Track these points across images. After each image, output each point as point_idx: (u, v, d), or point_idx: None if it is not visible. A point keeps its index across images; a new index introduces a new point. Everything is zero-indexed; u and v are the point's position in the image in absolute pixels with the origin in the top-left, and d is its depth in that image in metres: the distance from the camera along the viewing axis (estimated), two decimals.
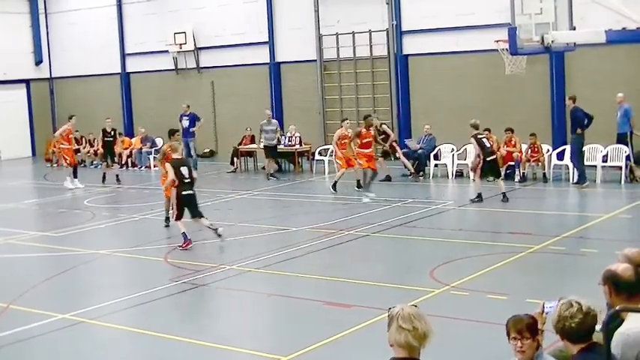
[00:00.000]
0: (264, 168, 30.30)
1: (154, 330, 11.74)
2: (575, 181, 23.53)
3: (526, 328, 5.74)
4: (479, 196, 21.44)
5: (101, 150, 30.49)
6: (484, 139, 21.76)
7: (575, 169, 23.57)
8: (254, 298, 13.94)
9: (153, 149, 33.25)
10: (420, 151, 26.65)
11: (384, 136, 26.48)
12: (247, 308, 13.39)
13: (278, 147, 29.08)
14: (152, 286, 14.05)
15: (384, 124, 27.67)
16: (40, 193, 27.50)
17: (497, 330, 5.90)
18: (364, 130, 23.16)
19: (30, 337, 11.65)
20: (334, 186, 23.72)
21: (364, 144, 22.99)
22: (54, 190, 27.81)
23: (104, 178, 28.60)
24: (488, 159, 21.50)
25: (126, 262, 16.91)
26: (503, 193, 21.39)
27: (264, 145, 28.82)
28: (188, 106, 30.80)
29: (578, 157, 23.40)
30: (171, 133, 20.08)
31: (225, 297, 13.93)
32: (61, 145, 28.56)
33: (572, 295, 5.64)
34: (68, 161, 28.21)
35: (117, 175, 28.99)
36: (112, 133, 30.05)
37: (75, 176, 27.89)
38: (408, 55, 30.68)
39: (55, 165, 36.04)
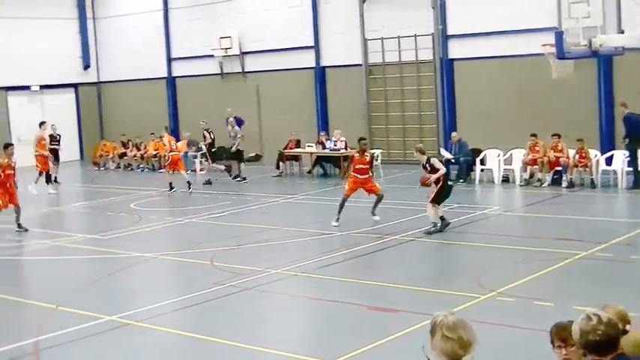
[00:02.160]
0: (309, 172, 30.41)
1: (199, 332, 11.81)
2: (630, 185, 23.26)
3: (570, 336, 5.67)
4: (435, 225, 18.49)
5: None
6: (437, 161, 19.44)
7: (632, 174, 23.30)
8: (298, 301, 13.97)
9: (198, 153, 33.42)
10: (461, 158, 26.44)
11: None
12: (291, 312, 13.42)
13: (323, 151, 29.34)
14: (197, 289, 14.13)
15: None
16: (88, 196, 27.79)
17: (543, 337, 5.85)
18: (357, 154, 20.36)
19: (77, 339, 11.77)
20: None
21: (357, 170, 20.07)
22: (101, 193, 28.08)
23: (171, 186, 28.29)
24: (447, 181, 19.22)
25: (172, 265, 17.03)
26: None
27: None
28: (232, 110, 30.96)
29: (634, 161, 23.13)
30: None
31: (269, 300, 13.96)
32: (35, 153, 29.04)
33: (613, 303, 5.57)
34: (40, 167, 28.81)
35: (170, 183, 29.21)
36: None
37: (47, 182, 28.85)
38: (454, 59, 30.54)
39: (103, 168, 36.45)
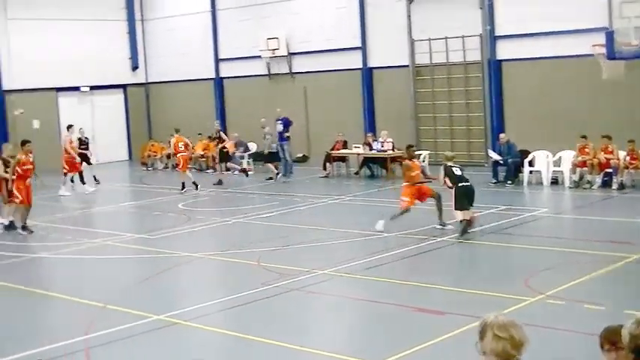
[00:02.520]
0: (356, 173, 30.40)
1: (245, 332, 11.84)
2: None
3: (620, 340, 5.59)
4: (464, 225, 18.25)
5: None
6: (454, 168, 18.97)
7: None
8: (344, 302, 13.95)
9: (246, 153, 33.56)
10: (510, 160, 26.22)
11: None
12: (337, 313, 13.41)
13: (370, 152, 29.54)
14: (244, 289, 14.17)
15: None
16: (137, 196, 28.02)
17: (593, 340, 5.77)
18: (409, 162, 19.68)
19: (125, 337, 11.86)
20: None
21: (412, 177, 19.42)
22: (150, 192, 28.30)
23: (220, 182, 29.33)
24: (460, 184, 18.63)
25: (219, 265, 17.10)
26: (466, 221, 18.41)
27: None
28: (281, 111, 31.11)
29: None
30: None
31: (315, 301, 13.96)
32: (64, 155, 29.29)
33: None
34: (67, 170, 29.07)
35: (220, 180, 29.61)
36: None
37: (82, 182, 29.21)
38: (502, 60, 30.33)
39: (151, 168, 36.72)
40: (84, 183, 29.41)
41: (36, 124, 35.91)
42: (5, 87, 36.82)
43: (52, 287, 15.48)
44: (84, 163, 30.13)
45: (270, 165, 30.46)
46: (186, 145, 29.17)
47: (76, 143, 30.01)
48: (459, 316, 11.77)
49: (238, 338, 11.75)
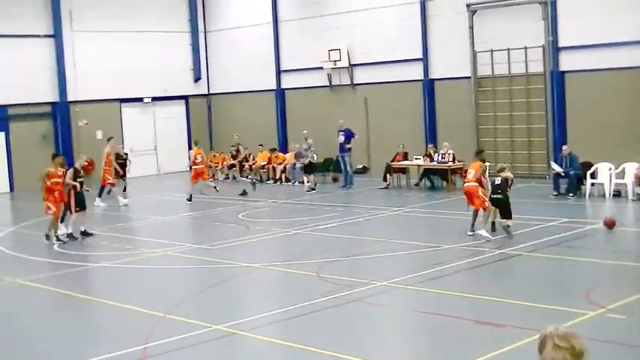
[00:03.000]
0: (417, 184, 30.31)
1: (303, 343, 11.86)
2: None
3: None
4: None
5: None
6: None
7: None
8: (404, 314, 13.92)
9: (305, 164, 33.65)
10: (571, 172, 25.90)
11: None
12: (397, 325, 13.38)
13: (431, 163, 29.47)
14: (303, 300, 14.20)
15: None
16: (197, 207, 28.24)
17: None
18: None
19: (184, 347, 11.96)
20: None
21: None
22: (210, 203, 28.50)
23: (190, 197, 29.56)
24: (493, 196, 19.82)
25: (278, 276, 17.15)
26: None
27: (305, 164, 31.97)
28: (343, 122, 31.27)
29: None
30: None
31: (374, 313, 13.94)
32: (104, 167, 29.52)
33: None
34: (105, 182, 29.34)
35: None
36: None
37: (99, 195, 29.20)
38: (565, 71, 30.02)
39: (212, 179, 36.91)
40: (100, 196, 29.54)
41: (99, 134, 36.42)
42: (70, 98, 37.42)
43: (112, 296, 15.66)
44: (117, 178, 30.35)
45: (309, 176, 31.26)
46: (202, 158, 30.11)
47: (113, 157, 30.21)
48: (518, 329, 11.67)
49: (296, 349, 11.77)
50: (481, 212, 19.68)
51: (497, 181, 19.81)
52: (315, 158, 31.73)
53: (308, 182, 31.11)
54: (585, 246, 18.49)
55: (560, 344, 4.83)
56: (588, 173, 25.81)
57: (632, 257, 17.05)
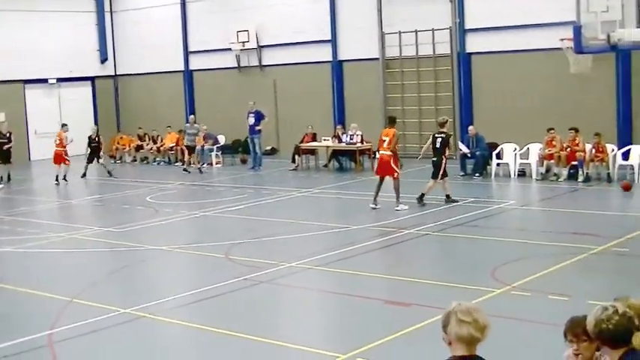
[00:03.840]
0: (325, 166, 30.42)
1: (213, 326, 11.81)
2: None
3: (583, 332, 5.65)
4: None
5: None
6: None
7: None
8: (314, 295, 13.97)
9: (215, 146, 33.50)
10: (478, 153, 26.35)
11: None
12: (307, 306, 13.42)
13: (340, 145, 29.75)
14: (213, 283, 14.13)
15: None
16: (104, 189, 27.86)
17: (559, 331, 5.83)
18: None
19: (92, 331, 11.79)
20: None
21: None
22: (118, 186, 28.16)
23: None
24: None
25: (187, 259, 17.03)
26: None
27: (185, 145, 32.41)
28: (254, 104, 31.18)
29: None
30: None
31: (284, 294, 13.97)
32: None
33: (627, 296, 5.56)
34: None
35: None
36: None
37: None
38: (472, 53, 30.44)
39: (119, 161, 36.53)
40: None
41: (2, 116, 35.53)
42: None
43: (16, 281, 15.31)
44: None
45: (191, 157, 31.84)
46: (62, 142, 30.37)
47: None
48: (426, 308, 11.82)
49: (205, 331, 11.71)
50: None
51: (438, 144, 21.05)
52: (193, 141, 32.16)
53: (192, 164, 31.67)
54: (491, 225, 18.82)
55: (464, 319, 4.91)
56: (494, 154, 26.27)
57: (536, 236, 17.41)
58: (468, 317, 4.91)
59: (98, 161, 31.29)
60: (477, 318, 4.92)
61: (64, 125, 31.49)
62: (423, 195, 21.02)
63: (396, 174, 20.58)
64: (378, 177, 21.17)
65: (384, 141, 20.81)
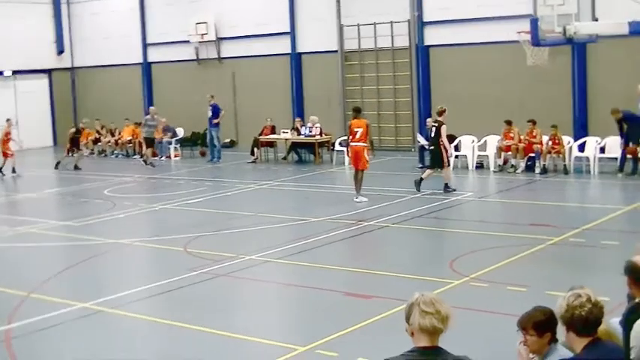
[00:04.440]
0: (284, 158, 30.42)
1: (172, 319, 11.78)
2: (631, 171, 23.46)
3: (531, 326, 5.72)
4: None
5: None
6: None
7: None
8: (273, 288, 13.97)
9: (173, 139, 33.35)
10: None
11: None
12: (266, 298, 13.41)
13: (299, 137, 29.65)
14: (171, 276, 14.07)
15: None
16: (62, 183, 27.62)
17: (515, 321, 5.89)
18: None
19: (49, 326, 11.70)
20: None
21: None
22: (75, 179, 27.92)
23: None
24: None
25: (146, 252, 16.96)
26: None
27: (144, 137, 31.76)
28: (212, 97, 31.09)
29: None
30: None
31: (243, 287, 13.94)
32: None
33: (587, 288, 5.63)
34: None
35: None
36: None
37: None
38: (430, 46, 30.56)
39: (77, 154, 36.17)
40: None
41: None
42: None
43: None
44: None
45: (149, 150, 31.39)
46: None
47: None
48: (386, 299, 11.86)
49: (165, 325, 11.67)
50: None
51: (432, 132, 21.78)
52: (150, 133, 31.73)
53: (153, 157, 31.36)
54: (450, 217, 18.94)
55: (427, 310, 4.94)
56: (452, 146, 26.36)
57: (494, 227, 17.55)
58: (430, 308, 4.94)
59: (73, 154, 30.98)
60: (440, 309, 4.96)
61: (8, 120, 31.05)
62: (421, 179, 21.78)
63: (365, 165, 20.67)
64: (353, 169, 21.41)
65: (357, 132, 20.80)
